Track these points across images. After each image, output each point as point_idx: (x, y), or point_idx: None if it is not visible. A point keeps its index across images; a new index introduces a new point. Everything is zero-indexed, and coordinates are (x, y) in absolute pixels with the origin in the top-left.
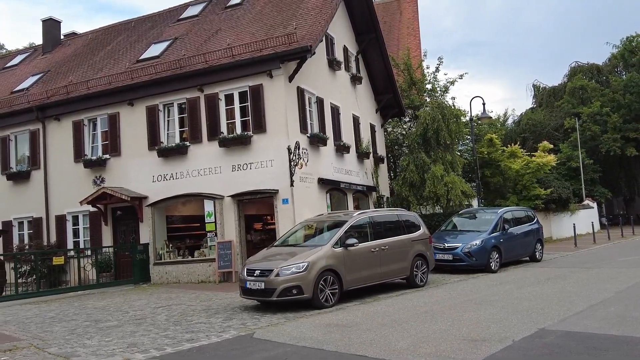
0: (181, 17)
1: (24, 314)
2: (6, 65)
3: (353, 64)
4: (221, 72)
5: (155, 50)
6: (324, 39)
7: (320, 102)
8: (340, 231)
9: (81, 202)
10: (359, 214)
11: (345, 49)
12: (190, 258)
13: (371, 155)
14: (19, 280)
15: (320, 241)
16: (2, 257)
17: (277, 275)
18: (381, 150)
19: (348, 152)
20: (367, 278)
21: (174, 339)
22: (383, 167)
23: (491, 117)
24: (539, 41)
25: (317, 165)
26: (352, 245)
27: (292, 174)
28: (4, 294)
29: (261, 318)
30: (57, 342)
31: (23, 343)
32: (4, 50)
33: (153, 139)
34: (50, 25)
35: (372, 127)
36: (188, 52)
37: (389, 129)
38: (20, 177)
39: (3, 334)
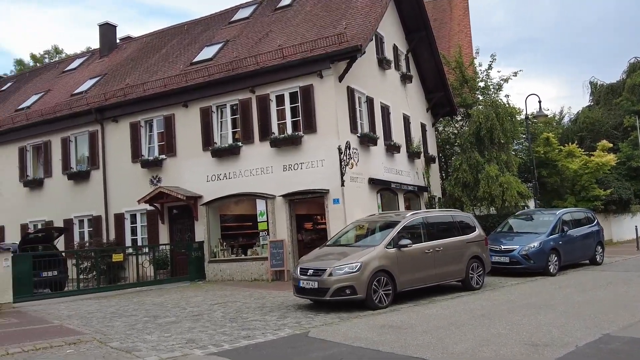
0: (232, 19)
1: (86, 308)
2: (66, 69)
3: (403, 63)
4: (272, 73)
5: (208, 52)
6: (373, 38)
7: (370, 101)
8: (393, 231)
9: (139, 201)
10: (412, 214)
11: (395, 48)
12: (243, 256)
13: (422, 155)
14: (80, 277)
15: (373, 241)
16: (64, 254)
17: (330, 275)
18: (432, 150)
19: (398, 151)
20: (421, 280)
21: (230, 335)
22: (434, 167)
23: (547, 116)
24: (594, 37)
25: (367, 165)
26: (406, 246)
27: (342, 174)
28: (65, 289)
29: (315, 317)
30: (119, 336)
31: (86, 337)
32: (64, 55)
33: (207, 140)
34: (107, 30)
35: (423, 127)
36: (240, 54)
37: (440, 128)
38: (80, 177)
39: (68, 328)
